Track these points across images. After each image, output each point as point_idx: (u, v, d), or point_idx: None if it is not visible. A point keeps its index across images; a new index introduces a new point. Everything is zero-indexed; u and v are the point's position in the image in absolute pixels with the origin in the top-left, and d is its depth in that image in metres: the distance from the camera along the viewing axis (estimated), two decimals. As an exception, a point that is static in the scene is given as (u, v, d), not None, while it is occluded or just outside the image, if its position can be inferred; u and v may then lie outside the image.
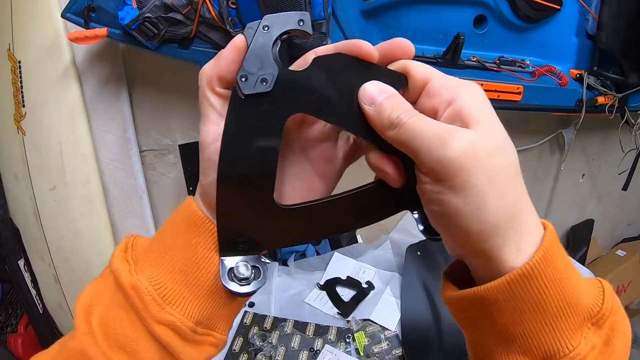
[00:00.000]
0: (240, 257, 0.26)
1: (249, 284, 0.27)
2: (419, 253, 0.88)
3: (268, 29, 0.24)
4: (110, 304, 0.26)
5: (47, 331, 1.21)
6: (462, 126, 0.22)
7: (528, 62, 0.94)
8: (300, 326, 0.83)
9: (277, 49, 0.25)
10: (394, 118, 0.23)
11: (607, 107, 1.02)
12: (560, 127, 1.26)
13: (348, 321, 0.85)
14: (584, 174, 1.50)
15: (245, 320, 0.84)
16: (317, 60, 0.25)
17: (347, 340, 0.83)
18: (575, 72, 1.00)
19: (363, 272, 0.90)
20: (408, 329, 0.78)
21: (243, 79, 0.24)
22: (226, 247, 0.26)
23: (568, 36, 0.98)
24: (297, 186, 0.28)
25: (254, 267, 0.27)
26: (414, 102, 0.25)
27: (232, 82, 0.25)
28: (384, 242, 0.94)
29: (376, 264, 0.91)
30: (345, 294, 0.88)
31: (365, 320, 0.80)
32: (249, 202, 0.26)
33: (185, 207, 0.27)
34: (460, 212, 0.22)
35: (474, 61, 0.87)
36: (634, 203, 1.73)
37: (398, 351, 0.79)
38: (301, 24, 0.25)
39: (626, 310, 1.86)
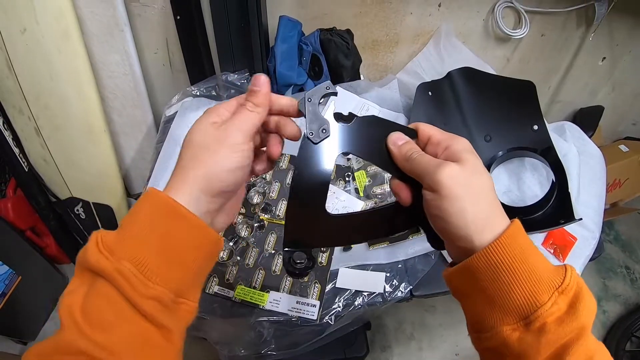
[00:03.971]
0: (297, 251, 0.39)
1: (302, 268, 0.40)
2: (430, 93, 0.81)
3: (311, 100, 0.36)
4: (89, 295, 0.29)
5: (36, 189, 1.18)
6: (454, 161, 0.34)
7: None
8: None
9: (320, 108, 0.37)
10: (408, 155, 0.36)
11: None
12: (593, -1, 1.14)
13: (348, 159, 0.80)
14: (604, 58, 1.40)
15: (239, 153, 0.79)
16: (357, 118, 0.38)
17: (347, 178, 0.79)
18: None
19: (366, 109, 0.83)
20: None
21: (311, 134, 0.37)
22: (289, 243, 0.37)
23: None
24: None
25: (308, 257, 0.40)
26: (422, 148, 0.37)
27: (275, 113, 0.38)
28: (391, 81, 0.87)
29: (381, 102, 0.84)
30: (347, 129, 0.82)
31: (367, 156, 0.75)
32: (308, 210, 0.37)
33: (157, 198, 0.32)
34: (449, 212, 0.32)
35: None
36: (644, 103, 1.67)
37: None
38: (328, 89, 0.37)
39: (614, 207, 1.87)
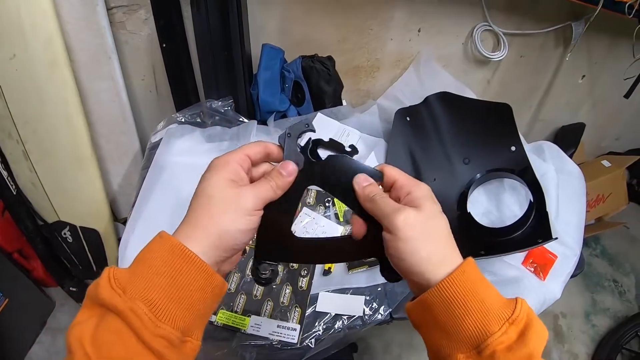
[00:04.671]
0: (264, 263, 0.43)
1: (266, 278, 0.43)
2: (408, 118, 0.84)
3: (290, 135, 0.41)
4: (100, 329, 0.31)
5: (23, 213, 1.18)
6: (413, 207, 0.37)
7: None
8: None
9: (298, 143, 0.41)
10: (370, 197, 0.39)
11: (626, 6, 0.92)
12: (570, 19, 1.17)
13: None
14: (584, 76, 1.43)
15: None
16: (330, 156, 0.42)
17: (327, 204, 0.81)
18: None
19: (347, 135, 0.86)
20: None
21: None
22: (258, 255, 0.42)
23: None
24: None
25: (271, 270, 0.43)
26: (387, 191, 0.41)
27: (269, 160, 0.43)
28: (371, 106, 0.90)
29: (361, 127, 0.86)
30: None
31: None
32: (276, 230, 0.41)
33: (169, 243, 0.34)
34: (405, 253, 0.36)
35: None
36: (626, 118, 1.70)
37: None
38: (307, 126, 0.41)
39: (599, 221, 1.87)
